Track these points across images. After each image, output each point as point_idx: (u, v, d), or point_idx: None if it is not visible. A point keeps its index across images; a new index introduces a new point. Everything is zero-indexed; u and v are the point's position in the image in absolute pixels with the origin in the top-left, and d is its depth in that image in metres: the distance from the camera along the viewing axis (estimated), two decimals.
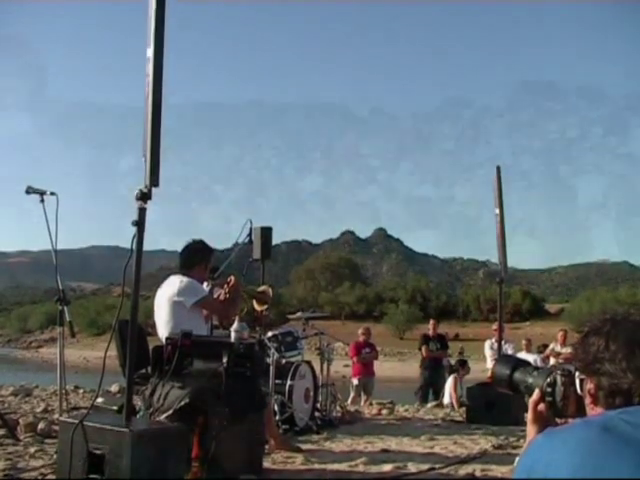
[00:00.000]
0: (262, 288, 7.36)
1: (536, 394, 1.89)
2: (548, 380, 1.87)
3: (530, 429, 1.90)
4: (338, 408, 8.34)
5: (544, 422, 1.86)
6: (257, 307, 7.23)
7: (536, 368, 2.00)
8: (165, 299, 5.63)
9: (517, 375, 2.02)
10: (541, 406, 1.88)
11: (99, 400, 5.93)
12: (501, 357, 2.25)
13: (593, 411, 1.72)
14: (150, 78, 4.25)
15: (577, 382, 1.80)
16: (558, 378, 1.86)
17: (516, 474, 1.66)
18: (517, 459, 1.86)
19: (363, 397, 12.23)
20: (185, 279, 5.64)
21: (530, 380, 1.94)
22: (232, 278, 5.98)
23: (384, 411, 9.33)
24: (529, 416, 1.90)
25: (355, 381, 12.64)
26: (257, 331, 7.27)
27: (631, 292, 65.87)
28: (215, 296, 6.08)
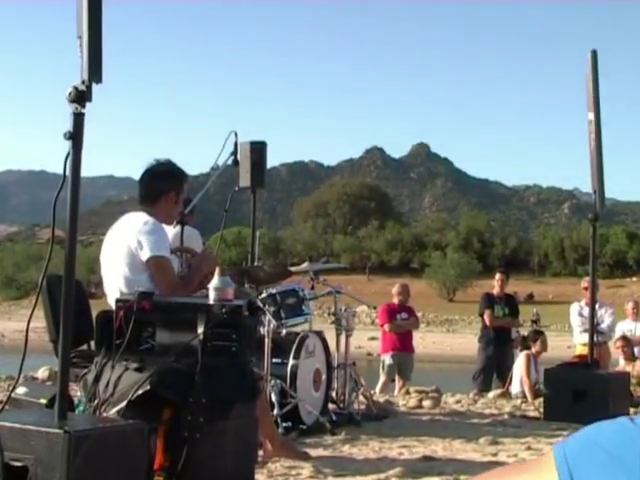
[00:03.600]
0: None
1: None
2: None
3: None
4: (361, 398, 8.39)
5: None
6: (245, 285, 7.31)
7: None
8: (119, 245, 5.60)
9: None
10: None
11: (20, 391, 5.96)
12: None
13: None
14: None
15: None
16: None
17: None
18: None
19: (397, 382, 12.32)
20: (150, 220, 5.56)
21: None
22: (208, 253, 5.99)
23: (426, 402, 9.41)
24: None
25: (387, 359, 12.70)
26: (247, 289, 7.29)
27: None
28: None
